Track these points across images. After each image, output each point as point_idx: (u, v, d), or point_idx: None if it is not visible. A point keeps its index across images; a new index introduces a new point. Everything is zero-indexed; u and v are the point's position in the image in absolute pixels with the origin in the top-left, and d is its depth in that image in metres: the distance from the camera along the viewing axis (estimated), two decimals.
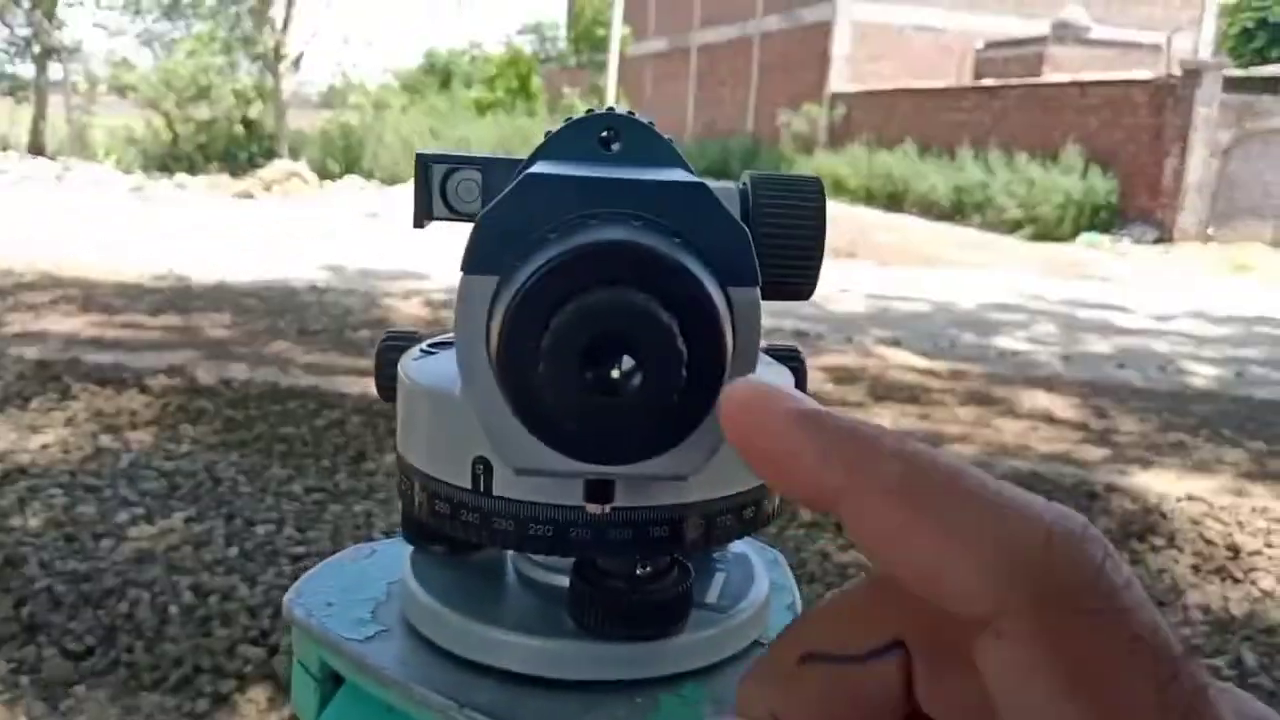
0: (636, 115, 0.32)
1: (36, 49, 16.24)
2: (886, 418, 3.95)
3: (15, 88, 17.31)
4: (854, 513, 0.19)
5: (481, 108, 18.06)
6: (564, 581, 0.33)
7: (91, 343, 4.50)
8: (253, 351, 4.50)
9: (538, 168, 0.28)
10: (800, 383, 0.35)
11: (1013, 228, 11.97)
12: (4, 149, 14.82)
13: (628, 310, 0.23)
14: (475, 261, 0.27)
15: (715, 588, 0.35)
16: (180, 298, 5.62)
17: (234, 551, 2.46)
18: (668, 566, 0.32)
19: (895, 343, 5.49)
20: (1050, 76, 14.32)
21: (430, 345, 0.36)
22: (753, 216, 0.32)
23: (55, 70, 16.33)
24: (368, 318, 5.32)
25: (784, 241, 0.32)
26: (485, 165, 0.34)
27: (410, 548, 0.36)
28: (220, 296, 5.70)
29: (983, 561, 0.18)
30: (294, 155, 14.31)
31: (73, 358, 4.13)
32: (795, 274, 0.33)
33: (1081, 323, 6.66)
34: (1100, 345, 5.94)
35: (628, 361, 0.24)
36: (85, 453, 3.10)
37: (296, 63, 16.06)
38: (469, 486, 0.30)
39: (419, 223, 0.36)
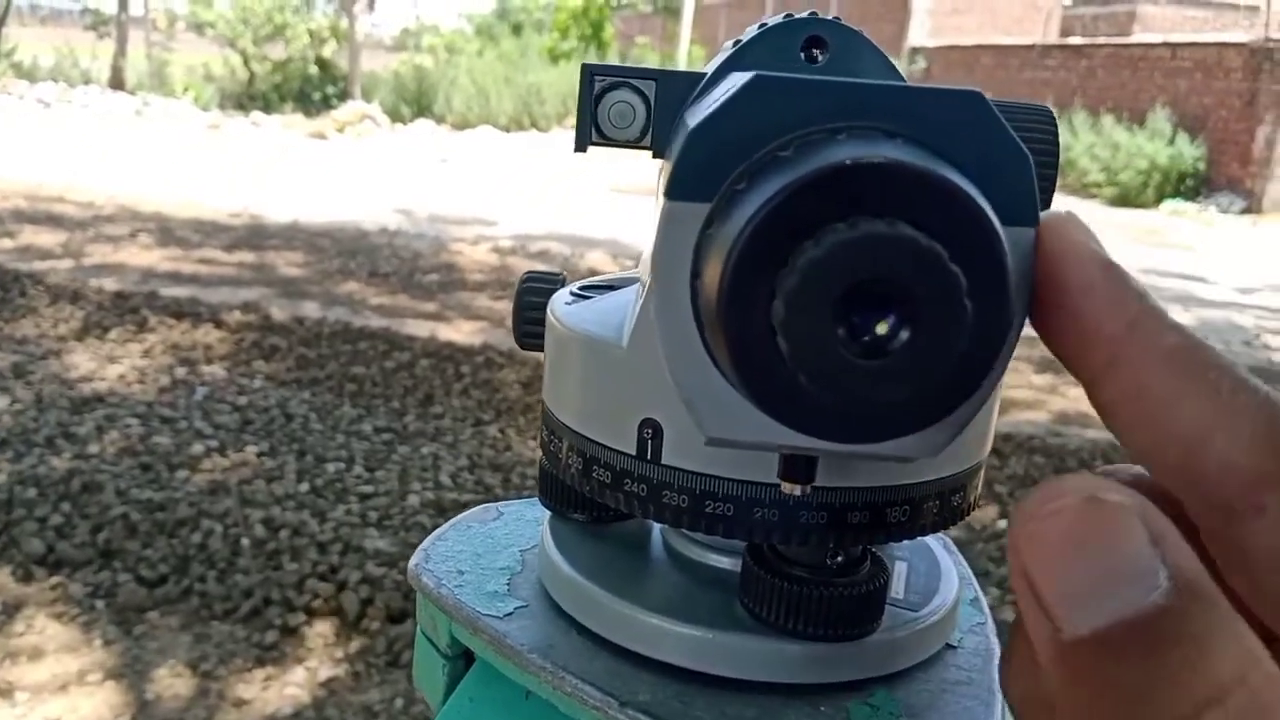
0: (844, 22, 0.28)
1: None
2: None
3: (97, 22, 17.57)
4: (1126, 370, 0.19)
5: (553, 55, 17.95)
6: (724, 562, 0.30)
7: (168, 276, 4.57)
8: (324, 291, 4.54)
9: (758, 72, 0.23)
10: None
11: (1094, 192, 11.66)
12: (85, 83, 15.07)
13: (904, 249, 0.18)
14: (684, 185, 0.21)
15: (900, 580, 0.31)
16: (255, 235, 5.68)
17: (304, 487, 2.49)
18: (860, 557, 0.28)
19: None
20: (1140, 36, 13.84)
21: (582, 288, 0.32)
22: None
23: (136, 6, 16.53)
24: (437, 262, 5.33)
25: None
26: (660, 79, 0.29)
27: (543, 512, 0.33)
28: (293, 235, 5.75)
29: (1253, 432, 0.18)
30: (367, 97, 14.36)
31: (150, 290, 4.19)
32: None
33: (1162, 292, 6.47)
34: (1181, 316, 5.72)
35: (892, 316, 0.19)
36: (161, 384, 3.15)
37: (371, 3, 16.06)
38: (633, 452, 0.26)
39: (581, 146, 0.29)
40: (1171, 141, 11.69)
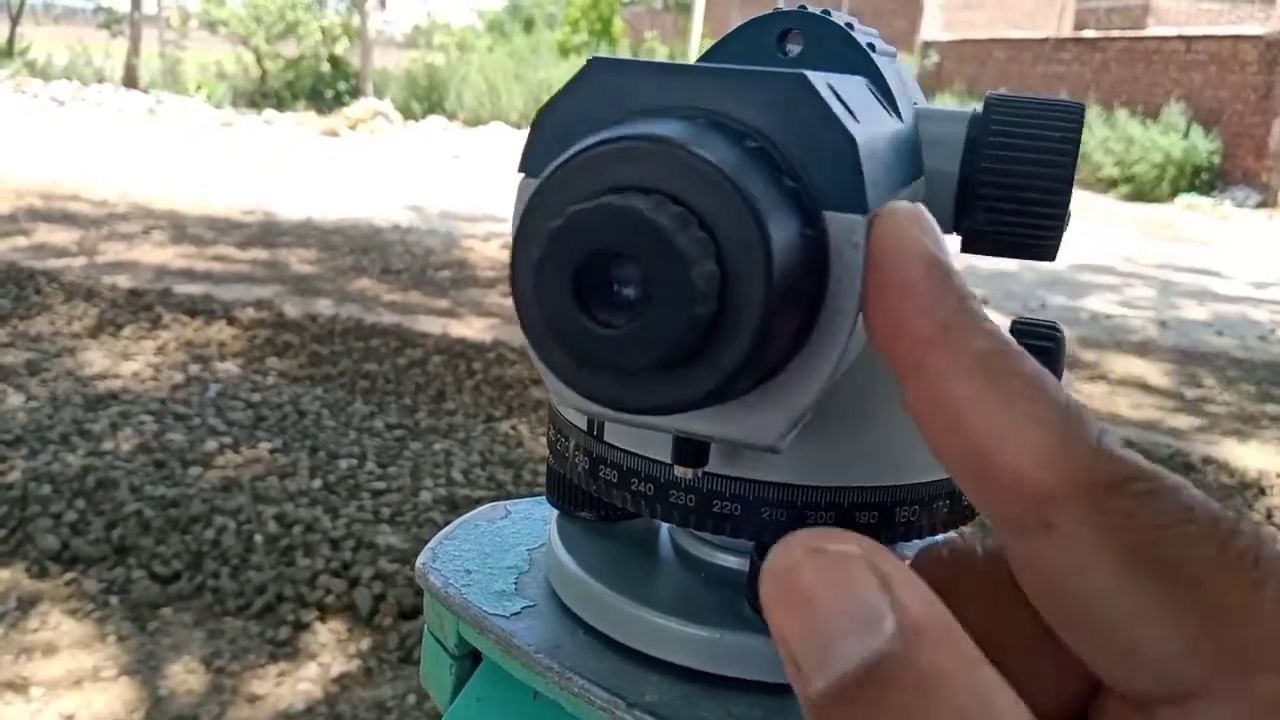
0: (833, 14, 0.28)
1: None
2: None
3: (110, 21, 17.64)
4: (931, 374, 0.18)
5: (564, 50, 17.95)
6: (731, 562, 0.29)
7: (182, 274, 4.59)
8: (337, 288, 4.55)
9: (605, 54, 0.24)
10: (1054, 365, 0.29)
11: (1108, 186, 11.59)
12: (99, 82, 15.13)
13: (631, 221, 0.19)
14: (526, 160, 0.23)
15: None
16: (268, 232, 5.69)
17: (317, 484, 2.50)
18: None
19: (982, 302, 5.33)
20: (1154, 29, 13.75)
21: None
22: (977, 146, 0.27)
23: (149, 4, 16.58)
24: (449, 258, 5.34)
25: (1010, 181, 0.27)
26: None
27: (551, 511, 0.33)
28: (306, 232, 5.76)
29: (1043, 444, 0.17)
30: (379, 94, 14.39)
31: (164, 288, 4.21)
32: (1024, 226, 0.27)
33: (1177, 287, 6.44)
34: (1196, 311, 5.73)
35: (626, 287, 0.19)
36: (175, 381, 3.17)
37: (383, 1, 16.08)
38: (641, 452, 0.27)
39: None
40: (1186, 135, 11.62)
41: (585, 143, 0.20)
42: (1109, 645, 0.17)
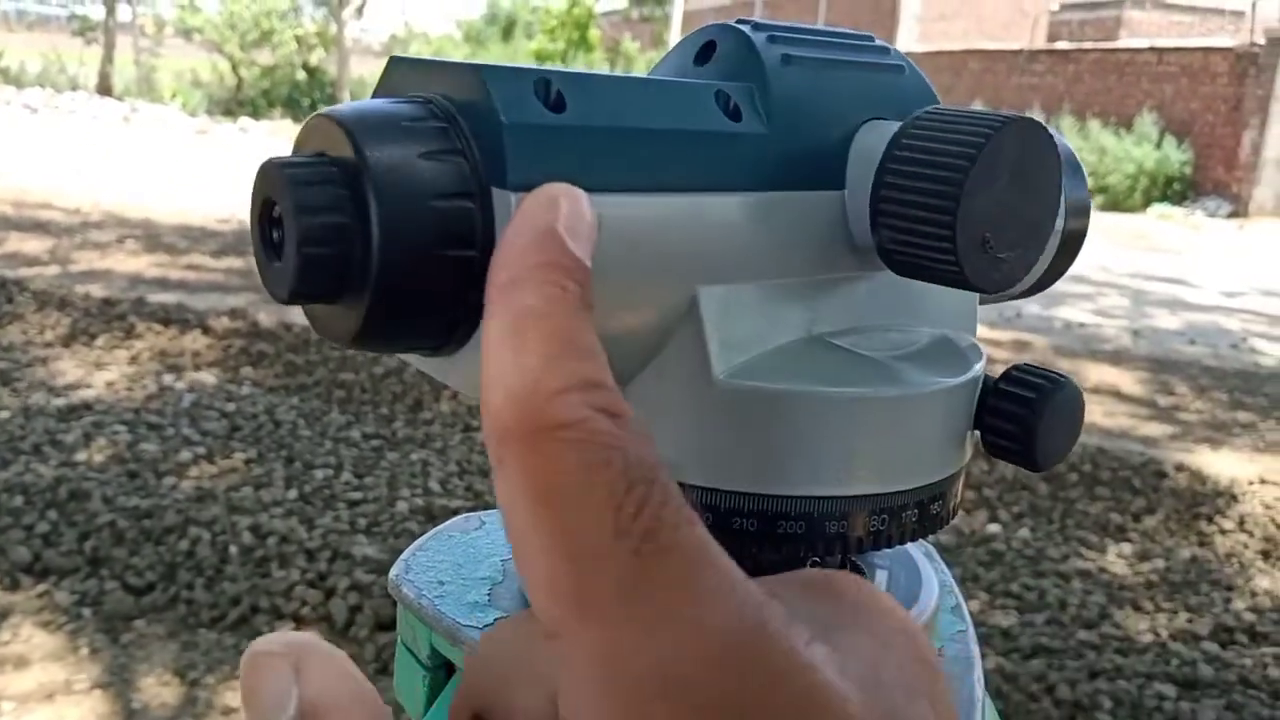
0: (749, 24, 0.29)
1: None
2: None
3: (84, 28, 17.52)
4: (488, 317, 0.19)
5: (541, 58, 17.95)
6: None
7: (156, 283, 4.55)
8: None
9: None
10: (1034, 415, 0.29)
11: None
12: (73, 89, 15.01)
13: (274, 174, 0.23)
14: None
15: (880, 589, 0.31)
16: (242, 241, 5.66)
17: (293, 494, 2.48)
18: (839, 566, 0.28)
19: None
20: (1126, 41, 13.91)
21: None
22: (885, 158, 0.27)
23: (123, 11, 16.49)
24: None
25: (904, 197, 0.26)
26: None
27: None
28: None
29: (516, 386, 0.18)
30: None
31: (137, 297, 4.18)
32: (918, 245, 0.26)
33: (1150, 296, 6.50)
34: (1169, 320, 5.79)
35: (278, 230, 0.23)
36: (149, 390, 3.14)
37: (360, 10, 16.04)
38: None
39: None
40: (1158, 146, 11.75)
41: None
42: (526, 583, 0.18)
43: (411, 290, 0.23)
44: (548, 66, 0.26)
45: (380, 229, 0.22)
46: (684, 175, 0.25)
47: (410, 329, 0.24)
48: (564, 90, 0.24)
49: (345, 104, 0.24)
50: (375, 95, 0.26)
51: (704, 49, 0.29)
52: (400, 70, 0.26)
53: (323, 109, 0.24)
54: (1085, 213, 0.35)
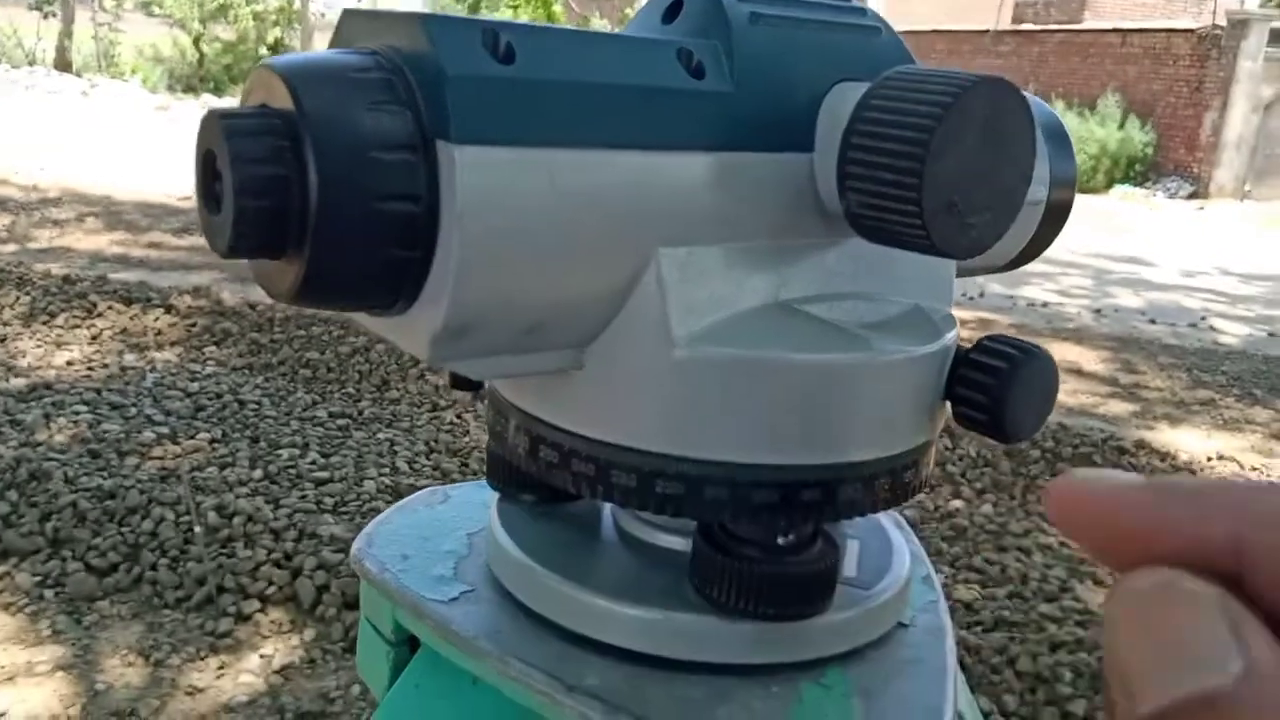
0: None
1: None
2: None
3: (42, 2, 17.16)
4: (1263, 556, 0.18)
5: None
6: (674, 543, 0.29)
7: (117, 260, 4.49)
8: None
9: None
10: (1003, 386, 0.28)
11: None
12: (30, 64, 14.72)
13: (214, 125, 0.22)
14: None
15: (852, 559, 0.30)
16: None
17: (258, 474, 2.46)
18: (811, 536, 0.28)
19: None
20: (1090, 23, 13.99)
21: None
22: (852, 119, 0.26)
23: None
24: None
25: (870, 159, 0.25)
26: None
27: (492, 495, 0.32)
28: None
29: None
30: None
31: (98, 275, 4.12)
32: (885, 209, 0.25)
33: (1111, 275, 6.57)
34: (1130, 299, 5.86)
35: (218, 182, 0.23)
36: (110, 370, 3.10)
37: None
38: (582, 432, 0.26)
39: None
40: (1121, 126, 11.85)
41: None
42: None
43: (352, 244, 0.22)
44: (498, 18, 0.26)
45: (318, 180, 0.22)
46: (641, 132, 0.24)
47: (353, 285, 0.23)
48: (514, 42, 0.23)
49: (289, 55, 0.24)
50: (330, 48, 0.26)
51: (672, 6, 0.28)
52: (353, 22, 0.26)
53: (266, 59, 0.24)
54: (1072, 184, 0.35)
